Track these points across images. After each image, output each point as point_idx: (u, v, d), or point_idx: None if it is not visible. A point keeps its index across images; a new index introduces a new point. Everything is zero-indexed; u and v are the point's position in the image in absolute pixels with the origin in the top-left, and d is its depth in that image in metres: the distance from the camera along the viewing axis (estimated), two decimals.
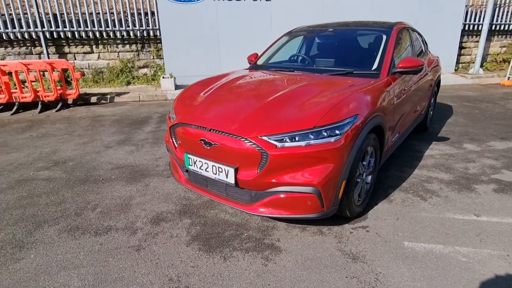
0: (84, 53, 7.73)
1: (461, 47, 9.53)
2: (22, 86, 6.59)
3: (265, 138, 2.09)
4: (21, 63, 6.23)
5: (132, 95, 7.20)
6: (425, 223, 2.52)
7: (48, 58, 7.45)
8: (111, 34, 7.59)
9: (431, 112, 4.94)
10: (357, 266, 2.06)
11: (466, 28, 9.33)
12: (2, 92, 6.29)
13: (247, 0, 7.85)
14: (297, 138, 2.07)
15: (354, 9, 8.35)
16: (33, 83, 6.40)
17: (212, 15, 7.72)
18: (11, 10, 7.06)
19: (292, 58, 3.68)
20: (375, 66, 2.97)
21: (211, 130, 2.28)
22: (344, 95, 2.33)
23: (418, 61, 2.95)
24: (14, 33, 7.18)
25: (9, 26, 7.08)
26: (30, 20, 7.14)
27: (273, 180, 2.13)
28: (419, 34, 4.30)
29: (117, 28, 7.52)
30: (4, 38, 7.21)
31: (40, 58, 7.49)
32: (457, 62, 9.65)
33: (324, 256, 2.16)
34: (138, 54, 7.99)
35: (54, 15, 7.23)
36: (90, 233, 2.45)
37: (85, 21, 7.40)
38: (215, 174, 2.32)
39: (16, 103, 6.39)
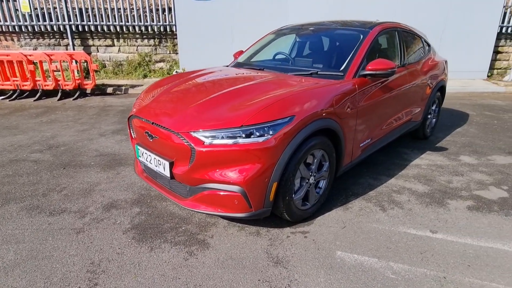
0: (106, 46, 8.18)
1: (497, 52, 8.77)
2: (48, 75, 7.13)
3: (194, 134, 2.10)
4: (45, 53, 6.75)
5: (145, 87, 7.50)
6: (371, 234, 2.39)
7: (74, 49, 7.99)
8: (130, 28, 7.96)
9: (434, 120, 4.63)
10: (275, 271, 2.02)
11: (504, 31, 8.54)
12: (28, 79, 6.86)
13: None
14: (224, 136, 2.06)
15: (378, 5, 7.98)
16: (55, 73, 6.91)
17: (227, 11, 7.80)
18: (43, 4, 7.65)
19: (274, 56, 3.62)
20: (342, 67, 2.85)
21: (153, 124, 2.34)
22: (285, 95, 2.27)
23: (389, 63, 2.78)
24: (45, 25, 7.79)
25: (40, 19, 7.69)
26: (59, 14, 7.69)
27: (202, 176, 2.14)
28: (417, 35, 4.04)
29: (136, 23, 7.87)
30: (36, 30, 7.84)
31: (67, 49, 8.05)
32: (491, 68, 8.88)
33: (248, 257, 2.14)
34: (156, 49, 8.30)
35: (80, 10, 7.73)
36: (45, 213, 2.63)
37: (108, 16, 7.82)
38: (156, 166, 2.38)
39: (40, 90, 6.94)
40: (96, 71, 7.69)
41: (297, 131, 2.17)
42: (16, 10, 7.65)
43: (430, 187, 3.15)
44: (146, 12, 7.85)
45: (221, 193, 2.13)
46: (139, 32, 8.06)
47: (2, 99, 6.86)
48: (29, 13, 7.67)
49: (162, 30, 8.05)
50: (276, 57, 3.51)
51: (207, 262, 2.09)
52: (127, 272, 1.99)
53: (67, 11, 7.67)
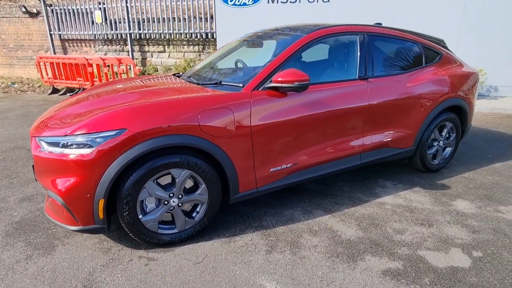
0: (159, 52, 8.96)
1: None
2: (104, 76, 8.23)
3: (37, 139, 2.11)
4: (100, 58, 7.81)
5: None
6: (216, 278, 1.98)
7: (133, 55, 9.02)
8: (178, 36, 8.55)
9: (448, 149, 3.61)
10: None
11: None
12: (88, 79, 8.03)
13: (303, 1, 7.43)
14: (53, 144, 2.00)
15: (439, 6, 6.71)
16: (107, 74, 7.92)
17: (265, 17, 7.64)
18: (111, 16, 8.86)
19: (218, 66, 3.35)
20: (246, 78, 2.46)
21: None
22: (126, 106, 2.09)
23: (299, 74, 2.29)
24: (112, 34, 9.00)
25: (109, 28, 8.93)
26: (122, 24, 8.80)
27: (44, 182, 2.12)
28: (410, 41, 3.20)
29: (182, 30, 8.41)
30: (107, 38, 9.13)
31: (128, 55, 9.12)
32: None
33: (68, 273, 2.02)
34: (200, 55, 8.70)
35: (139, 20, 8.68)
36: None
37: (160, 25, 8.57)
38: None
39: None
40: (142, 73, 8.51)
41: (128, 146, 1.95)
42: (92, 21, 9.06)
43: (365, 234, 2.45)
44: (191, 20, 8.32)
45: (54, 201, 2.08)
46: (186, 39, 8.58)
47: (69, 95, 8.20)
48: (102, 24, 8.97)
49: (204, 37, 8.40)
50: (214, 67, 3.23)
51: (29, 269, 2.05)
52: None
53: (129, 21, 8.69)
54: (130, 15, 8.65)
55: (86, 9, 8.99)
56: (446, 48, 3.61)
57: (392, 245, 2.33)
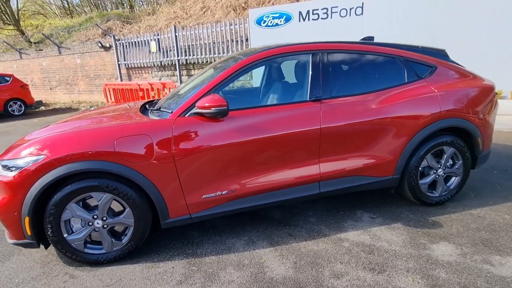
0: None
1: None
2: None
3: None
4: (148, 83, 8.70)
5: None
6: None
7: (181, 79, 9.81)
8: (217, 59, 9.01)
9: (455, 179, 3.03)
10: None
11: None
12: None
13: (334, 17, 7.15)
14: (1, 166, 2.32)
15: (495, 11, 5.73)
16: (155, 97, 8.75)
17: (298, 35, 7.57)
18: (164, 45, 9.85)
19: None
20: (175, 103, 2.49)
21: None
22: (51, 134, 2.30)
23: (217, 100, 2.24)
24: (165, 61, 9.97)
25: (162, 56, 9.92)
26: (173, 52, 9.69)
27: None
28: (385, 55, 2.80)
29: (221, 54, 8.86)
30: (160, 65, 10.15)
31: (177, 79, 9.96)
32: None
33: (2, 281, 2.28)
34: None
35: (185, 47, 9.45)
36: None
37: (202, 50, 9.18)
38: None
39: None
40: None
41: (46, 170, 2.14)
42: (149, 51, 10.20)
43: (294, 274, 2.19)
44: (228, 43, 8.72)
45: None
46: None
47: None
48: (156, 52, 10.04)
49: None
50: (176, 93, 3.29)
51: None
52: None
53: (177, 49, 9.54)
54: (178, 44, 9.49)
55: (144, 40, 10.19)
56: (447, 59, 3.06)
57: None
